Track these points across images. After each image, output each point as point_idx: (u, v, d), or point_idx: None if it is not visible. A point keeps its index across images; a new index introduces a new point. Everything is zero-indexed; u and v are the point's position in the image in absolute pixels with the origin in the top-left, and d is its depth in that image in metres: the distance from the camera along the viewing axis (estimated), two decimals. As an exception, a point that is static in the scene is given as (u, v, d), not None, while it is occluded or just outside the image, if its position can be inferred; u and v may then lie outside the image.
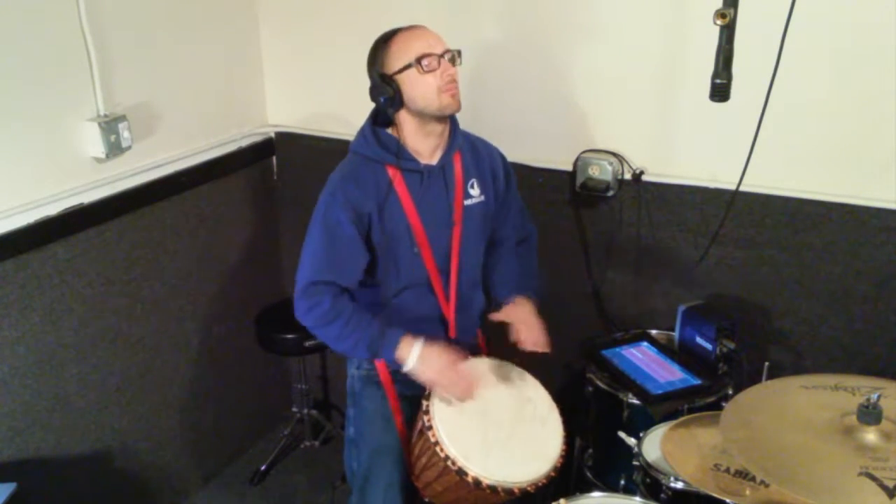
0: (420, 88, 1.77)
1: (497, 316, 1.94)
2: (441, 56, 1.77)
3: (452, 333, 1.97)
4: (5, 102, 1.97)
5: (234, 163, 2.74)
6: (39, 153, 2.07)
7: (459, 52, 1.80)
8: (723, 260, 2.24)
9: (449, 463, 1.68)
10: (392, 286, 1.90)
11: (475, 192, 1.94)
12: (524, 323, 1.91)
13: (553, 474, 1.75)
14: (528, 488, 1.71)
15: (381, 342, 1.80)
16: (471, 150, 1.97)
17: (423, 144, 1.86)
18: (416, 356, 1.78)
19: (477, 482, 1.66)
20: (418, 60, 1.75)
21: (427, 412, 1.75)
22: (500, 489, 1.68)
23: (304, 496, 2.82)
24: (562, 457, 1.79)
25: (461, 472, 1.67)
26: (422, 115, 1.81)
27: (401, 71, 1.76)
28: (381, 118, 1.87)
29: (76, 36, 2.10)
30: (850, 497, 1.29)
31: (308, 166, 2.80)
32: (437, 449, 1.70)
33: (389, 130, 1.87)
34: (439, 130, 1.86)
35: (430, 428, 1.72)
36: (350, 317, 1.82)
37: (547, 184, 2.41)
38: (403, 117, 1.83)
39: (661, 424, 1.90)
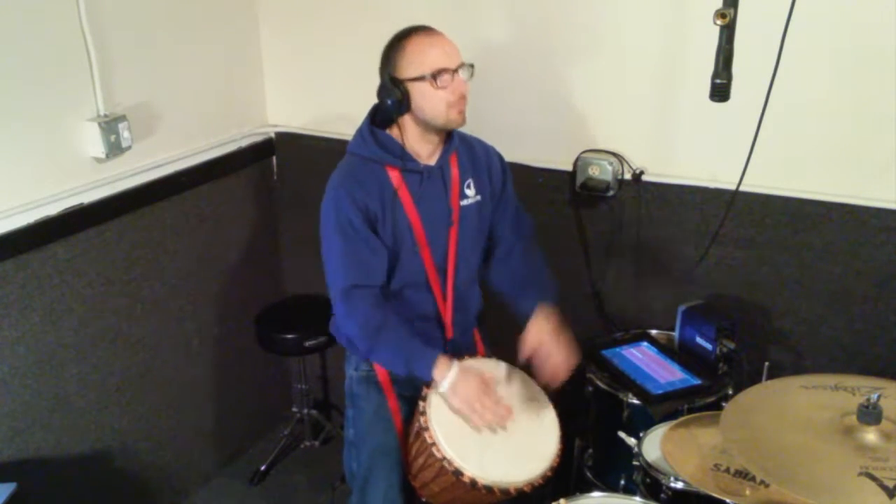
0: (430, 102, 1.77)
1: (524, 353, 1.84)
2: (455, 71, 1.76)
3: (449, 333, 1.97)
4: (5, 102, 1.97)
5: (234, 163, 2.74)
6: (39, 153, 2.07)
7: (472, 66, 1.80)
8: (723, 260, 2.24)
9: (445, 463, 1.68)
10: (391, 285, 1.90)
11: (471, 192, 1.94)
12: (547, 354, 1.81)
13: (549, 474, 1.75)
14: (525, 488, 1.71)
15: (415, 363, 1.78)
16: (467, 151, 1.97)
17: (423, 147, 1.87)
18: (448, 384, 1.75)
19: (473, 482, 1.66)
20: (433, 76, 1.74)
21: (424, 413, 1.75)
22: (496, 489, 1.68)
23: (304, 496, 2.82)
24: (558, 456, 1.79)
25: (457, 473, 1.67)
26: (426, 125, 1.82)
27: (413, 80, 1.76)
28: (380, 118, 1.87)
29: (76, 36, 2.10)
30: (850, 497, 1.29)
31: (308, 166, 2.80)
32: (434, 450, 1.70)
33: (388, 131, 1.87)
34: (438, 138, 1.87)
35: (427, 429, 1.72)
36: (386, 332, 1.80)
37: (547, 184, 2.41)
38: (407, 121, 1.83)
39: (661, 424, 1.89)
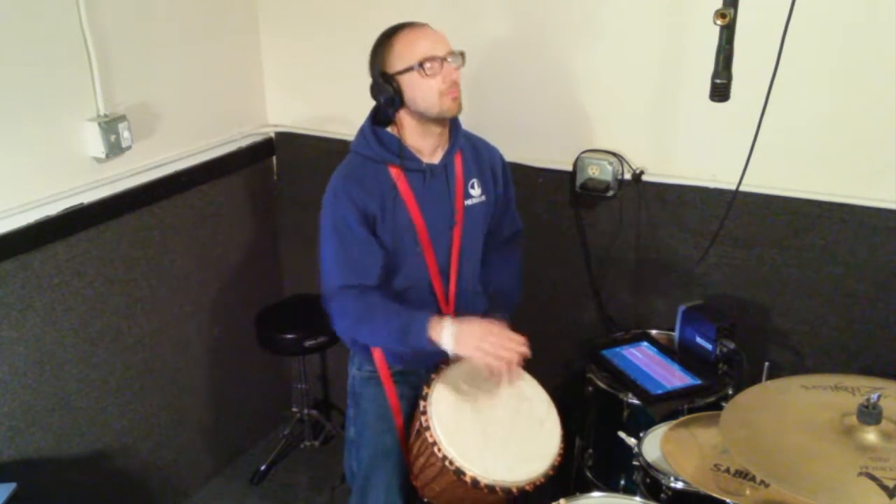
0: (421, 91, 1.76)
1: None
2: (444, 59, 1.75)
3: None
4: (5, 102, 1.97)
5: (234, 163, 2.74)
6: (39, 153, 2.07)
7: (463, 54, 1.79)
8: (723, 260, 2.24)
9: (447, 463, 1.68)
10: (392, 287, 1.89)
11: (476, 192, 1.94)
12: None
13: (551, 473, 1.75)
14: (527, 487, 1.71)
15: (410, 331, 1.76)
16: (472, 151, 1.96)
17: (423, 143, 1.86)
18: (450, 337, 1.72)
19: (475, 482, 1.66)
20: (420, 64, 1.73)
21: (424, 412, 1.75)
22: (497, 489, 1.68)
23: (304, 496, 2.82)
24: (560, 455, 1.78)
25: (459, 472, 1.67)
26: (422, 117, 1.81)
27: (402, 72, 1.76)
28: (381, 116, 1.87)
29: (76, 36, 2.10)
30: (850, 497, 1.29)
31: (308, 166, 2.80)
32: (435, 449, 1.69)
33: (389, 129, 1.86)
34: (439, 131, 1.86)
35: (428, 428, 1.72)
36: (377, 314, 1.80)
37: (547, 184, 2.41)
38: (403, 116, 1.83)
39: (661, 424, 1.90)
